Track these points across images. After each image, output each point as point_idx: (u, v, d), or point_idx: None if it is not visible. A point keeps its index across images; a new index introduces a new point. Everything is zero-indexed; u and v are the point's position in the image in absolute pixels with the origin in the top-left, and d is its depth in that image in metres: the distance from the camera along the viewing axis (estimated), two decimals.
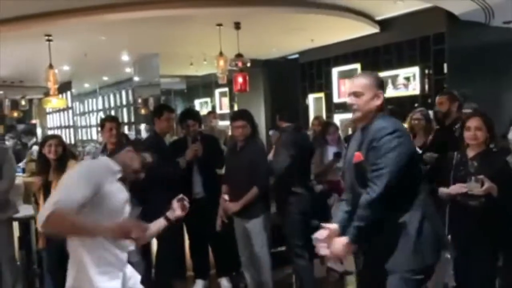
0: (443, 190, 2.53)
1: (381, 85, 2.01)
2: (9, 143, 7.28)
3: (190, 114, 3.84)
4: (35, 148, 7.10)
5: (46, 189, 3.29)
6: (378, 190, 1.82)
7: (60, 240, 2.92)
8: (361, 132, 2.01)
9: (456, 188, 2.42)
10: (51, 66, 6.08)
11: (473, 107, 3.58)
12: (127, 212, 1.97)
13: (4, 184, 3.28)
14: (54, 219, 1.67)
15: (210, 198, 3.53)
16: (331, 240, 1.96)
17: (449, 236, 2.71)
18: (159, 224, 2.20)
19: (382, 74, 6.76)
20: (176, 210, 2.21)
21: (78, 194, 1.73)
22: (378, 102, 1.95)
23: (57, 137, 3.41)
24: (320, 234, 2.00)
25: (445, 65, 5.95)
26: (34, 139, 7.67)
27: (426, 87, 6.28)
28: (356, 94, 1.96)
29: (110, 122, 3.50)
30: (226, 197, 3.28)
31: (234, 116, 3.36)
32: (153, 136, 3.70)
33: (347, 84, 6.04)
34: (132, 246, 2.00)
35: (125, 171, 1.94)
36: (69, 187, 1.77)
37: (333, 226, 2.03)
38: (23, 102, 11.94)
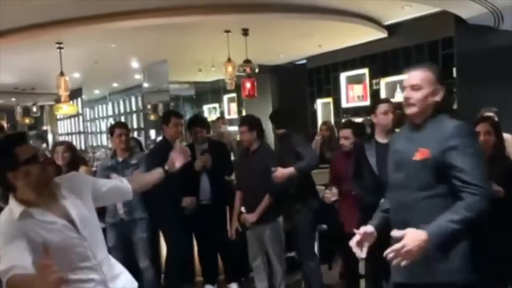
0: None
1: (441, 79, 1.84)
2: None
3: (198, 120, 3.88)
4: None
5: None
6: (484, 192, 1.64)
7: None
8: (415, 130, 1.83)
9: None
10: (62, 74, 6.17)
11: (493, 111, 3.55)
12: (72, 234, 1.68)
13: None
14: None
15: (218, 204, 3.56)
16: (368, 240, 1.84)
17: None
18: (156, 173, 2.11)
19: (390, 79, 6.78)
20: (176, 160, 2.12)
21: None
22: (437, 98, 1.79)
23: (64, 143, 3.44)
24: (355, 238, 1.85)
25: (454, 70, 5.92)
26: (44, 145, 7.78)
27: None
28: (413, 88, 1.80)
29: (119, 128, 3.51)
30: (242, 209, 3.31)
31: (240, 122, 3.42)
32: (162, 141, 3.74)
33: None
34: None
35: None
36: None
37: (369, 228, 1.88)
38: (34, 109, 12.10)
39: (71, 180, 1.81)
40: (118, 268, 1.89)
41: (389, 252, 1.59)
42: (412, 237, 1.58)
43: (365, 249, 1.84)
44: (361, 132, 3.40)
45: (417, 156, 1.74)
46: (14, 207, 1.63)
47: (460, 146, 1.68)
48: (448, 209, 1.66)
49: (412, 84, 1.81)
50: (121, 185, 2.00)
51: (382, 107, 2.88)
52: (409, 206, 1.78)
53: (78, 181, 1.82)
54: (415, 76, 1.82)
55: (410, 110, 1.82)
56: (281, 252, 3.31)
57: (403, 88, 1.89)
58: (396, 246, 1.58)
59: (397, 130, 3.09)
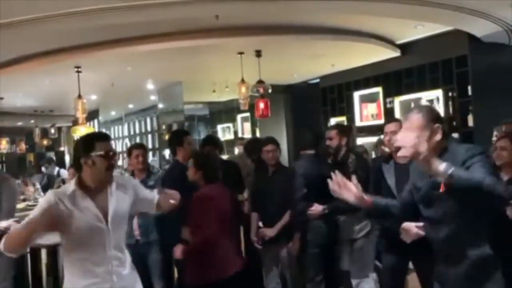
0: None
1: (435, 117, 1.85)
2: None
3: (210, 140, 3.92)
4: (64, 172, 7.40)
5: None
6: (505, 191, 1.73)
7: None
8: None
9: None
10: (80, 96, 6.31)
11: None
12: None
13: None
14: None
15: None
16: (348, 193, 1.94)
17: None
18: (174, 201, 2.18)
19: (404, 97, 6.76)
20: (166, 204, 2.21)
21: None
22: (437, 138, 1.81)
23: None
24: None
25: (469, 87, 5.87)
26: (57, 169, 7.98)
27: (451, 109, 6.20)
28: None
29: (137, 149, 3.54)
30: (260, 223, 3.30)
31: (265, 141, 3.44)
32: (174, 167, 3.57)
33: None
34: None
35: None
36: None
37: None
38: (52, 131, 12.36)
39: (124, 179, 2.18)
40: (128, 271, 2.10)
41: None
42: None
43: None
44: (347, 134, 3.41)
45: (442, 188, 1.75)
46: (70, 185, 2.00)
47: (473, 164, 1.73)
48: (486, 228, 1.79)
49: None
50: (152, 197, 2.21)
51: (389, 127, 2.84)
52: (451, 237, 1.83)
53: (128, 182, 2.18)
54: (409, 124, 1.84)
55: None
56: (297, 273, 3.27)
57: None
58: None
59: None
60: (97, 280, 1.97)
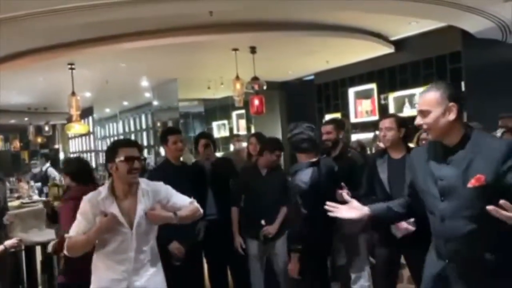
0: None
1: (452, 96, 1.72)
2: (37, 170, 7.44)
3: (203, 133, 3.92)
4: (52, 171, 7.15)
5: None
6: None
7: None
8: (449, 152, 1.74)
9: None
10: (73, 93, 6.29)
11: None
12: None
13: None
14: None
15: (225, 220, 3.53)
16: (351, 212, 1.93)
17: None
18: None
19: (398, 93, 6.78)
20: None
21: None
22: (450, 117, 1.70)
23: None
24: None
25: (462, 83, 5.90)
26: (48, 164, 7.62)
27: None
28: (422, 114, 1.75)
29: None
30: (263, 222, 3.31)
31: (277, 146, 3.46)
32: (162, 165, 3.53)
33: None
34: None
35: None
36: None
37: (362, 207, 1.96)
38: (46, 128, 12.31)
39: (155, 186, 2.24)
40: (151, 273, 2.19)
41: None
42: None
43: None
44: (343, 128, 3.45)
45: (472, 183, 1.63)
46: (104, 189, 2.15)
47: None
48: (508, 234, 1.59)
49: (421, 110, 1.76)
50: (179, 207, 2.23)
51: (383, 123, 2.83)
52: (465, 237, 1.69)
53: (160, 189, 2.24)
54: (422, 101, 1.77)
55: (430, 136, 1.78)
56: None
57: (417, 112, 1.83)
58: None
59: (410, 144, 3.07)
60: (118, 277, 2.11)
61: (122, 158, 2.09)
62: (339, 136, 3.33)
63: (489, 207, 1.49)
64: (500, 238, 1.65)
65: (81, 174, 2.85)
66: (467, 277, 1.72)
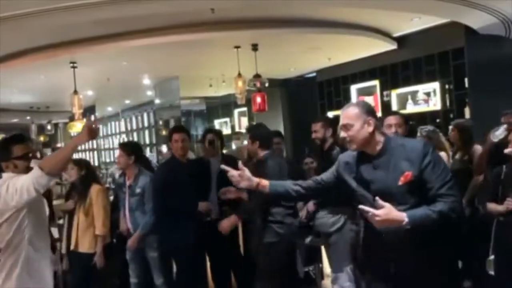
0: (494, 207, 2.56)
1: (369, 111, 1.99)
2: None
3: (211, 130, 3.93)
4: None
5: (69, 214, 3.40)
6: (457, 198, 1.87)
7: (84, 262, 2.98)
8: (375, 157, 1.96)
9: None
10: (75, 92, 6.28)
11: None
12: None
13: None
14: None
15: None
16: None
17: (492, 256, 2.65)
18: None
19: (401, 90, 6.75)
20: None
21: None
22: (369, 129, 1.94)
23: (74, 161, 3.51)
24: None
25: (466, 80, 5.87)
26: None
27: (448, 102, 6.20)
28: (346, 127, 1.97)
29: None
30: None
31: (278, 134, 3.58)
32: (168, 161, 3.68)
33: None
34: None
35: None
36: None
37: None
38: (49, 127, 12.32)
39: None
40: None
41: (365, 211, 1.77)
42: (392, 215, 1.77)
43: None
44: (332, 125, 3.36)
45: (402, 181, 1.86)
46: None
47: (432, 162, 1.85)
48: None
49: (344, 125, 1.97)
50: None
51: (386, 120, 2.86)
52: (399, 231, 1.87)
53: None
54: (344, 116, 1.98)
55: (353, 147, 1.98)
56: None
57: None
58: (377, 212, 1.76)
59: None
60: None
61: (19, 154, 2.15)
62: (326, 134, 3.32)
63: (360, 206, 1.79)
64: (430, 232, 1.85)
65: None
66: (404, 269, 1.90)
